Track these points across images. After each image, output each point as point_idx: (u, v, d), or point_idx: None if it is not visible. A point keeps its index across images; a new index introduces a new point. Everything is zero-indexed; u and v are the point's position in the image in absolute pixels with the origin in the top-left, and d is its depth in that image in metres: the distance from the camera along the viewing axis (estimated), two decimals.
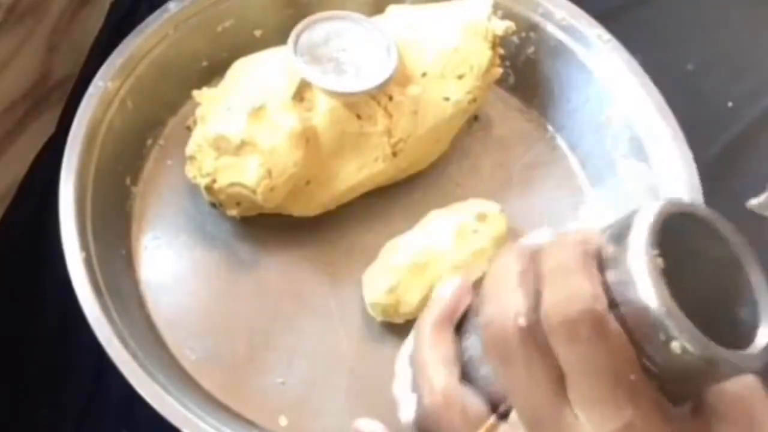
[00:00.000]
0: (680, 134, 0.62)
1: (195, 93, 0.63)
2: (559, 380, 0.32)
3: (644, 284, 0.31)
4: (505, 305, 0.33)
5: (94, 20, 0.73)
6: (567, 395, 0.32)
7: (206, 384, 0.58)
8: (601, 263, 0.33)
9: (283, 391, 0.58)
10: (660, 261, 0.32)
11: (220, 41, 0.67)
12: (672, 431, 0.32)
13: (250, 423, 0.57)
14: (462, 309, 0.40)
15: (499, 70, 0.65)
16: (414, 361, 0.39)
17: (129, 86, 0.63)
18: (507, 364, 0.33)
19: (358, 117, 0.60)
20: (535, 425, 0.33)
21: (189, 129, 0.63)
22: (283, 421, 0.57)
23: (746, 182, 0.70)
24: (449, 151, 0.66)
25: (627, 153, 0.64)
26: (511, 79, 0.70)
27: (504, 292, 0.34)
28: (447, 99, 0.62)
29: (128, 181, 0.64)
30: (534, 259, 0.34)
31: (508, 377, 0.34)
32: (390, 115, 0.61)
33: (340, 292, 0.61)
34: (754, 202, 0.69)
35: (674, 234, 0.33)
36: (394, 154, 0.62)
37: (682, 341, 0.30)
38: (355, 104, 0.60)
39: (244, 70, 0.63)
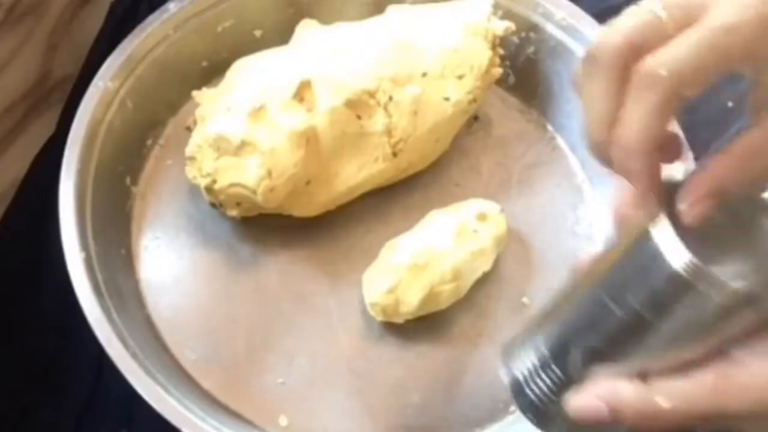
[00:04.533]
0: (680, 134, 0.62)
1: (195, 93, 0.63)
2: None
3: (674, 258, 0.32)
4: None
5: (94, 20, 0.73)
6: None
7: (206, 384, 0.58)
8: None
9: (283, 391, 0.58)
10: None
11: (220, 41, 0.67)
12: None
13: (250, 423, 0.57)
14: None
15: (499, 70, 0.65)
16: None
17: (129, 86, 0.63)
18: None
19: (358, 117, 0.60)
20: None
21: (189, 129, 0.63)
22: (283, 421, 0.57)
23: None
24: (449, 151, 0.67)
25: None
26: (511, 79, 0.70)
27: None
28: (447, 99, 0.62)
29: (128, 181, 0.64)
30: None
31: None
32: (390, 115, 0.61)
33: (340, 292, 0.61)
34: None
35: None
36: (394, 154, 0.62)
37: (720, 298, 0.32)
38: (355, 104, 0.60)
39: (244, 70, 0.63)
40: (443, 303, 0.60)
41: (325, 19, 0.65)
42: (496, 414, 0.58)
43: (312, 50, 0.62)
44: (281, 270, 0.62)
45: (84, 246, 0.56)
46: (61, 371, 0.61)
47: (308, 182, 0.60)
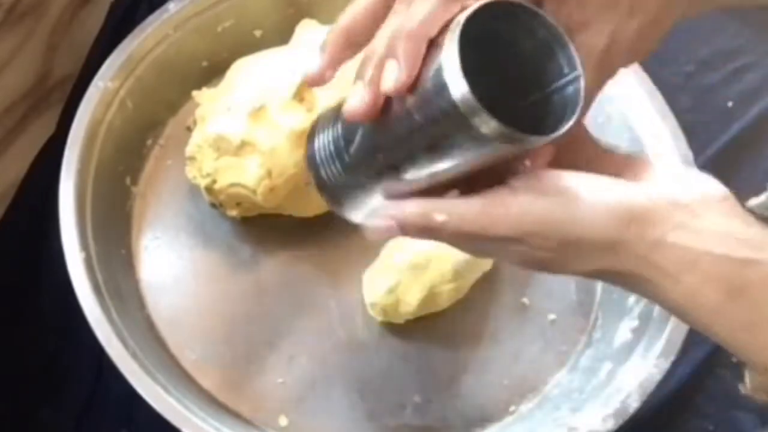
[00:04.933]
0: (680, 134, 0.62)
1: (195, 93, 0.63)
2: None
3: (451, 83, 0.34)
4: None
5: (94, 20, 0.73)
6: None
7: (206, 384, 0.58)
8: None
9: (283, 391, 0.58)
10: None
11: (220, 41, 0.67)
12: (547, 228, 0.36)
13: (250, 423, 0.57)
14: None
15: None
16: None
17: (129, 86, 0.63)
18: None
19: None
20: None
21: (189, 129, 0.63)
22: (283, 421, 0.57)
23: (746, 182, 0.70)
24: None
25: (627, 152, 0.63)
26: None
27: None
28: None
29: (128, 181, 0.64)
30: None
31: None
32: None
33: (340, 292, 0.61)
34: (754, 202, 0.69)
35: (491, 31, 0.36)
36: None
37: (487, 131, 0.34)
38: None
39: (244, 70, 0.63)
40: (443, 303, 0.60)
41: (325, 19, 0.65)
42: (496, 414, 0.58)
43: (312, 50, 0.62)
44: (281, 270, 0.62)
45: (84, 246, 0.56)
46: (61, 371, 0.61)
47: (308, 182, 0.60)
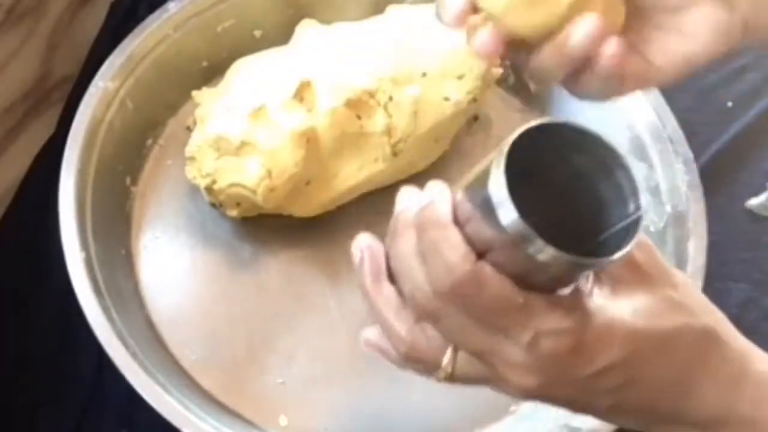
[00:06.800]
0: (680, 134, 0.62)
1: (195, 93, 0.64)
2: (481, 326, 0.36)
3: (502, 214, 0.34)
4: (413, 285, 0.38)
5: (94, 20, 0.73)
6: (492, 334, 0.36)
7: (206, 384, 0.58)
8: (459, 220, 0.37)
9: (283, 391, 0.58)
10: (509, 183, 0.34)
11: (220, 41, 0.67)
12: (575, 319, 0.35)
13: (250, 423, 0.57)
14: (382, 261, 0.41)
15: (499, 70, 0.65)
16: (376, 322, 0.42)
17: (129, 86, 0.63)
18: (436, 324, 0.38)
19: (358, 117, 0.60)
20: (477, 356, 0.38)
21: (189, 129, 0.63)
22: (283, 421, 0.57)
23: (746, 182, 0.70)
24: (449, 151, 0.66)
25: (627, 153, 0.63)
26: (511, 79, 0.70)
27: (407, 273, 0.38)
28: (447, 99, 0.62)
29: (128, 181, 0.64)
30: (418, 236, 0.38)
31: (443, 333, 0.39)
32: (390, 115, 0.61)
33: (340, 292, 0.61)
34: (753, 202, 0.69)
35: (539, 151, 0.36)
36: (394, 154, 0.62)
37: (543, 258, 0.33)
38: (355, 104, 0.60)
39: (244, 70, 0.63)
40: None
41: (325, 19, 0.65)
42: (496, 414, 0.58)
43: (312, 50, 0.62)
44: (281, 270, 0.62)
45: (84, 246, 0.56)
46: (61, 371, 0.61)
47: (308, 182, 0.60)
